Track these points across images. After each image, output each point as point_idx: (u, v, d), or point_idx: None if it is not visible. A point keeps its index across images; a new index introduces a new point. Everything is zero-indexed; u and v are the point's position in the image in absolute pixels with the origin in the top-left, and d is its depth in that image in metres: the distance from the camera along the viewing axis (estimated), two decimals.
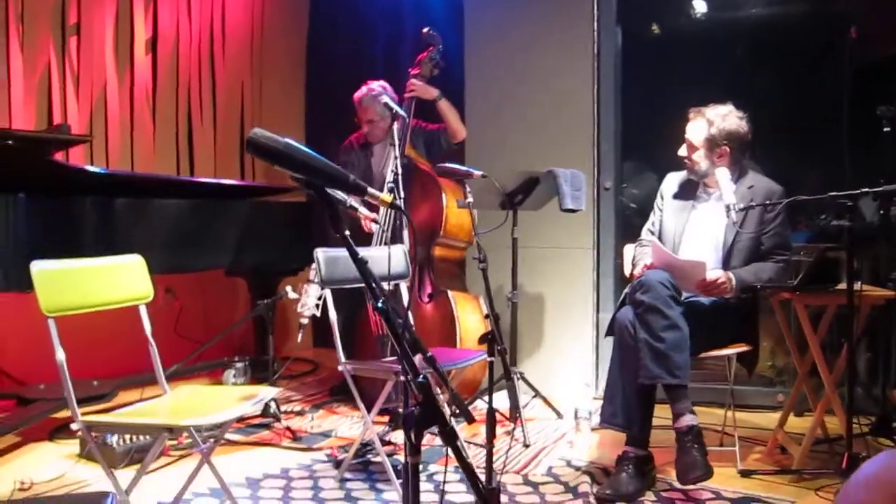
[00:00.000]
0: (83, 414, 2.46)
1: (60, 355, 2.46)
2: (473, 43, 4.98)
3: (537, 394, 4.38)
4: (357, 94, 4.61)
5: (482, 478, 2.80)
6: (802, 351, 3.57)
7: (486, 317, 3.04)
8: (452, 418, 3.32)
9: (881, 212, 3.85)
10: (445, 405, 3.20)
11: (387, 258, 3.57)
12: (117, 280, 2.79)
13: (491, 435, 2.82)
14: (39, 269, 2.52)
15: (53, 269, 2.57)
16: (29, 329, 2.50)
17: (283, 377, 5.14)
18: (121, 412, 2.72)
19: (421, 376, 1.58)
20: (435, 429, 1.59)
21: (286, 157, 1.51)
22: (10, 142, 3.07)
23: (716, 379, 4.29)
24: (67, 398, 2.47)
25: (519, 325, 4.37)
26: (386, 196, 1.64)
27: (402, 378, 1.62)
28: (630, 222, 4.94)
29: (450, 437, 1.59)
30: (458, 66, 5.03)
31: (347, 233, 1.75)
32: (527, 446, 3.81)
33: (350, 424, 4.15)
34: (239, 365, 4.76)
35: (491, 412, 2.84)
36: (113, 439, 3.36)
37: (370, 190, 1.63)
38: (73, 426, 2.45)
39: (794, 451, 3.45)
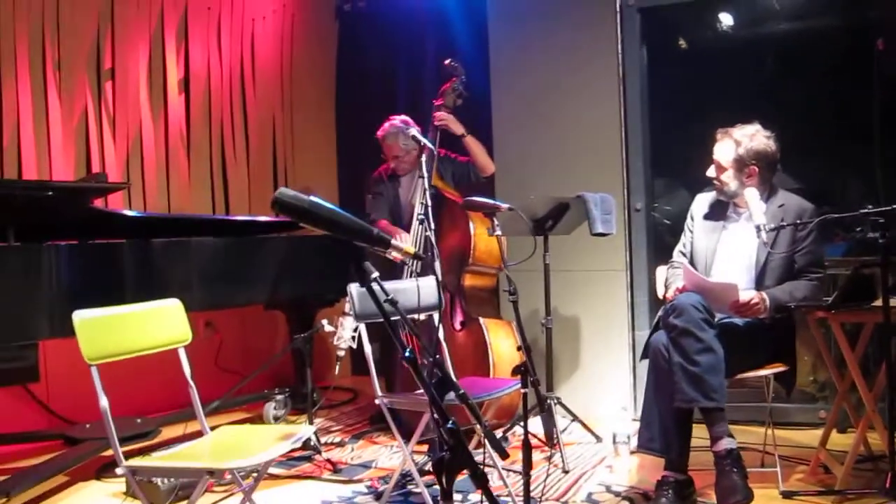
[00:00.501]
0: (128, 452, 2.53)
1: (104, 402, 2.53)
2: (499, 70, 5.02)
3: (575, 418, 4.38)
4: (380, 132, 4.68)
5: None
6: (842, 367, 3.53)
7: (519, 349, 3.06)
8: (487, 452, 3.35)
9: None
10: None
11: (425, 287, 3.61)
12: (156, 324, 2.86)
13: (527, 465, 2.84)
14: (81, 318, 2.60)
15: (94, 318, 2.65)
16: (75, 368, 2.58)
17: (323, 407, 5.19)
18: (162, 455, 2.78)
19: (451, 422, 1.60)
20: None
21: (312, 216, 1.56)
22: (49, 192, 3.17)
23: (755, 397, 4.26)
24: (111, 443, 2.53)
25: (555, 350, 4.38)
26: (409, 248, 1.68)
27: (433, 424, 1.64)
28: (663, 241, 4.92)
29: (480, 481, 1.62)
30: (485, 94, 5.08)
31: (375, 279, 1.80)
32: (566, 472, 3.81)
33: (390, 455, 4.18)
34: (279, 397, 4.84)
35: (527, 442, 2.86)
36: (157, 478, 3.42)
37: (394, 242, 1.67)
38: (118, 471, 2.52)
39: (836, 470, 3.41)
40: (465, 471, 1.59)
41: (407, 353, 1.60)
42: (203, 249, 4.10)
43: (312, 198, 1.55)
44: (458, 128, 4.59)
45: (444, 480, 1.58)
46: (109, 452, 3.87)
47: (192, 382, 2.90)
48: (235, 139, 5.78)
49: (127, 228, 3.96)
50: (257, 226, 4.69)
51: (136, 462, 2.61)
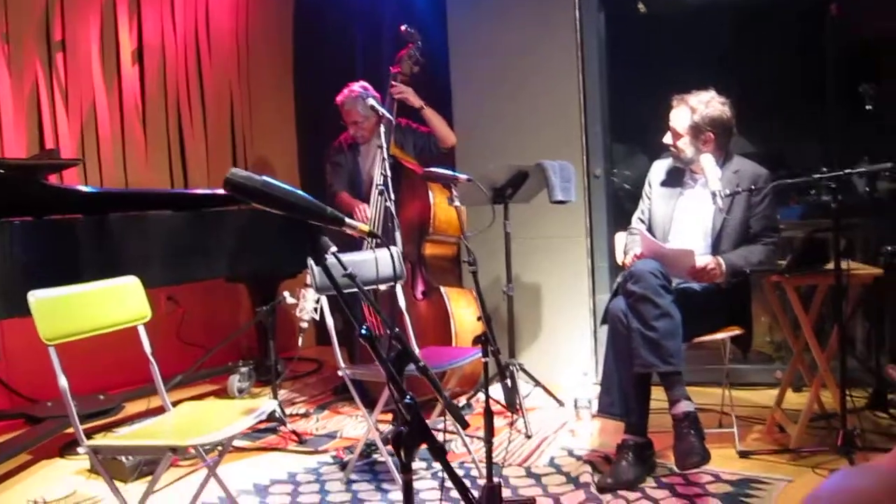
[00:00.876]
0: (91, 428, 2.52)
1: (63, 382, 2.52)
2: (456, 38, 5.00)
3: (538, 384, 4.44)
4: (339, 98, 4.64)
5: (483, 473, 2.87)
6: (797, 329, 3.61)
7: (479, 319, 3.09)
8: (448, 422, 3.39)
9: (867, 189, 3.91)
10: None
11: (384, 259, 3.61)
12: (114, 303, 2.84)
13: (489, 432, 2.88)
14: (37, 298, 2.57)
15: (50, 298, 2.62)
16: (34, 345, 2.56)
17: (288, 378, 5.20)
18: (125, 433, 2.78)
19: (408, 397, 1.62)
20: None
21: (264, 195, 1.56)
22: (0, 171, 3.11)
23: (713, 359, 4.34)
24: (72, 422, 2.53)
25: (517, 316, 4.43)
26: (363, 226, 1.68)
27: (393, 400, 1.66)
28: (623, 206, 4.98)
29: (439, 454, 1.64)
30: (444, 60, 5.05)
31: (333, 254, 1.80)
32: (529, 437, 3.87)
33: (355, 424, 4.20)
34: (243, 370, 4.84)
35: (488, 409, 2.90)
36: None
37: (348, 220, 1.67)
38: (80, 450, 2.51)
39: (791, 429, 3.51)
40: (422, 444, 1.61)
41: (363, 331, 1.60)
42: (162, 224, 4.06)
43: (264, 178, 1.55)
44: (415, 101, 4.57)
45: (402, 454, 1.60)
46: (73, 430, 3.89)
47: (152, 359, 2.89)
48: (192, 111, 5.70)
49: (83, 204, 3.90)
50: (217, 199, 4.65)
51: (98, 441, 2.61)
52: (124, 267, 3.55)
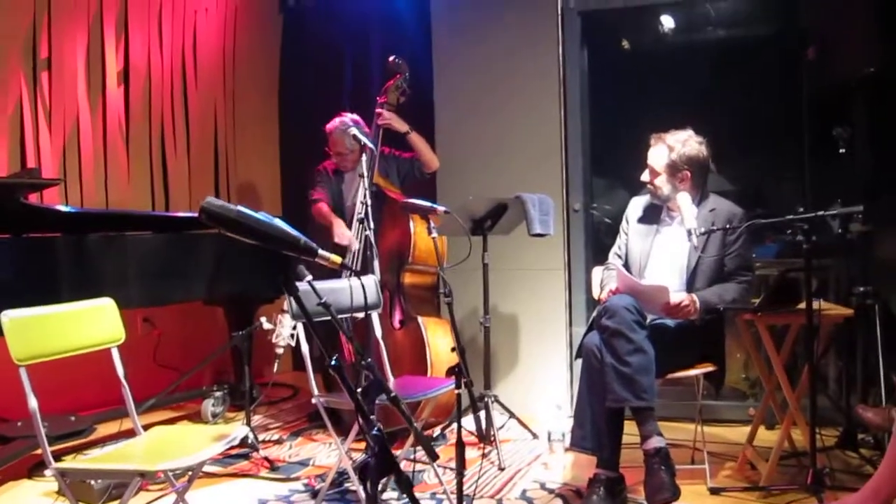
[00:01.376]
0: (61, 450, 2.50)
1: (33, 403, 2.51)
2: (441, 70, 5.05)
3: (512, 415, 4.44)
4: (329, 126, 4.67)
5: None
6: (770, 367, 3.64)
7: (453, 350, 3.10)
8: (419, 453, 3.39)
9: (840, 230, 3.96)
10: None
11: (357, 288, 3.61)
12: (88, 324, 2.83)
13: (461, 463, 2.87)
14: (10, 318, 2.56)
15: (23, 318, 2.61)
16: (6, 363, 2.54)
17: (263, 404, 5.18)
18: (94, 456, 2.76)
19: (375, 428, 1.63)
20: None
21: (238, 225, 1.57)
22: None
23: (687, 395, 4.36)
24: (41, 444, 2.51)
25: (493, 348, 4.44)
26: (335, 258, 1.70)
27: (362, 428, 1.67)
28: (602, 241, 5.01)
29: (404, 486, 1.65)
30: (429, 92, 5.10)
31: (307, 282, 1.81)
32: (502, 469, 3.87)
33: (328, 452, 4.19)
34: (218, 394, 4.81)
35: (460, 441, 2.90)
36: None
37: (321, 252, 1.69)
38: (47, 472, 2.49)
39: (762, 466, 3.52)
40: (388, 475, 1.62)
41: (333, 362, 1.61)
42: (140, 245, 4.06)
43: (239, 208, 1.56)
44: (401, 126, 4.61)
45: (367, 486, 1.60)
46: (39, 451, 3.85)
47: (124, 382, 2.88)
48: (176, 133, 5.71)
49: (62, 223, 3.90)
50: (197, 221, 4.65)
51: (66, 464, 2.59)
52: (101, 287, 3.56)
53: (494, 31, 4.88)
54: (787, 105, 4.35)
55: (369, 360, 2.05)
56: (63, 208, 3.89)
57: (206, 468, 3.85)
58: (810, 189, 4.14)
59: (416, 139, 4.66)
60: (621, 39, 5.43)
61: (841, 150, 3.86)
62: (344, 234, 4.48)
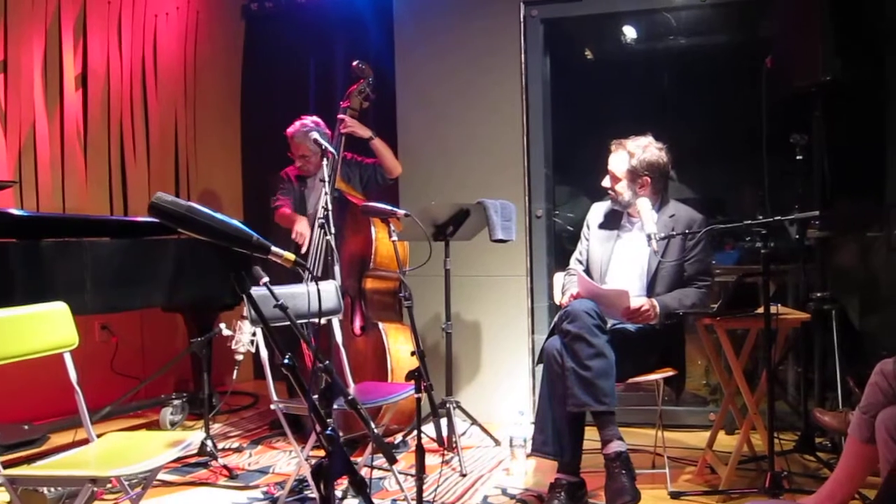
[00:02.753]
0: (13, 460, 2.45)
1: None
2: (404, 76, 5.04)
3: (474, 422, 4.43)
4: (290, 130, 4.64)
5: None
6: (730, 372, 3.67)
7: (413, 354, 3.08)
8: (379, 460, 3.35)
9: (797, 237, 4.01)
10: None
11: (318, 293, 3.58)
12: (40, 329, 2.77)
13: (420, 469, 2.86)
14: None
15: None
16: None
17: (223, 412, 5.11)
18: (46, 463, 2.69)
19: (329, 428, 1.61)
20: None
21: (189, 221, 1.54)
22: None
23: (647, 401, 4.38)
24: None
25: (455, 354, 4.43)
26: (289, 255, 1.68)
27: (315, 430, 1.64)
28: (564, 248, 5.04)
29: (359, 487, 1.63)
30: (394, 97, 5.09)
31: (263, 284, 1.79)
32: (464, 475, 3.85)
33: (288, 460, 4.14)
34: (176, 402, 4.75)
35: (420, 446, 2.89)
36: (44, 486, 3.31)
37: (273, 249, 1.66)
38: None
39: (721, 471, 3.54)
40: (343, 476, 1.60)
41: (286, 361, 1.59)
42: (97, 251, 4.00)
43: (190, 203, 1.54)
44: (364, 132, 4.58)
45: (321, 487, 1.58)
46: None
47: (78, 388, 2.82)
48: (136, 138, 5.64)
49: (14, 227, 3.82)
50: (155, 227, 4.58)
51: (17, 471, 2.52)
52: (56, 293, 3.50)
53: (457, 37, 4.89)
54: (747, 113, 4.40)
55: (327, 362, 2.02)
56: (16, 212, 3.81)
57: (164, 476, 3.79)
58: (769, 196, 4.19)
59: (379, 145, 4.64)
60: (583, 47, 5.48)
61: (798, 157, 3.91)
62: (301, 231, 4.45)
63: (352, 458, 1.65)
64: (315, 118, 4.65)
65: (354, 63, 4.58)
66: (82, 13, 5.25)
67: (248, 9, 6.44)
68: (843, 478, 2.82)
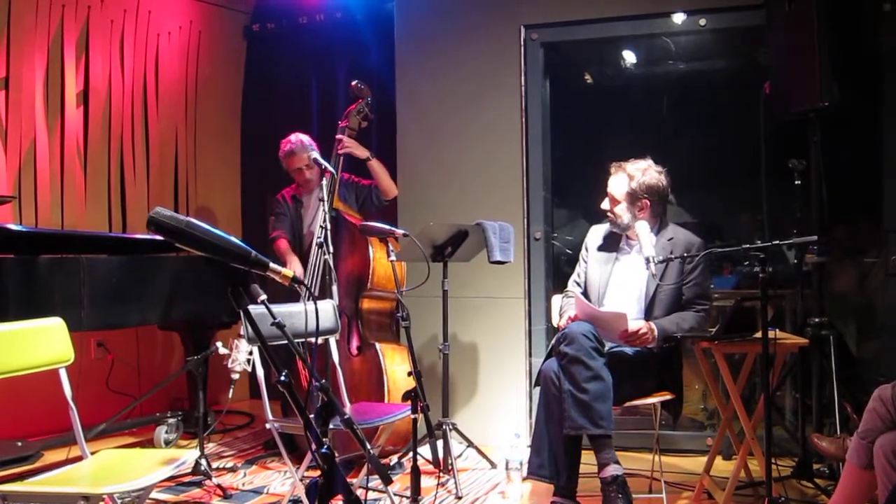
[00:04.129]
0: (4, 477, 2.43)
1: None
2: (405, 96, 5.05)
3: (470, 444, 4.40)
4: (283, 147, 4.65)
5: None
6: (727, 396, 3.65)
7: (410, 374, 3.07)
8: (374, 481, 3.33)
9: (796, 262, 4.01)
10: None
11: (315, 313, 3.58)
12: (35, 344, 2.76)
13: (415, 491, 2.84)
14: None
15: None
16: None
17: (218, 431, 5.09)
18: (38, 479, 2.67)
19: (325, 446, 1.60)
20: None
21: (187, 236, 1.54)
22: None
23: (644, 425, 4.36)
24: None
25: (452, 376, 4.41)
26: (287, 272, 1.68)
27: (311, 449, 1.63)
28: (562, 271, 5.03)
29: None
30: (393, 118, 5.10)
31: (260, 301, 1.78)
32: (459, 498, 3.82)
33: (282, 480, 4.11)
34: (171, 421, 4.72)
35: (415, 467, 2.87)
36: None
37: (272, 265, 1.66)
38: None
39: (718, 496, 3.52)
40: (338, 496, 1.58)
41: (282, 378, 1.58)
42: (95, 267, 3.98)
43: (189, 218, 1.54)
44: (362, 152, 4.60)
45: None
46: None
47: (72, 404, 2.81)
48: (136, 156, 5.65)
49: (12, 242, 3.82)
50: (153, 244, 4.58)
51: (8, 486, 2.50)
52: (53, 309, 3.49)
53: (458, 59, 4.91)
54: (745, 138, 4.42)
55: (323, 381, 2.01)
56: (14, 227, 3.80)
57: (157, 495, 3.76)
58: (767, 221, 4.19)
59: (376, 166, 4.65)
60: (583, 71, 5.50)
61: (796, 182, 3.92)
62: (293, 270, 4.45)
63: (340, 469, 1.64)
64: (309, 137, 4.66)
65: (353, 83, 4.60)
66: (85, 31, 5.28)
67: (249, 29, 6.48)
68: None
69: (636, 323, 3.45)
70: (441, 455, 4.08)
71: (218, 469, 4.29)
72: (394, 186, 4.74)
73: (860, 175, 4.15)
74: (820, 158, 3.85)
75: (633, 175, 3.61)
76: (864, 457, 2.72)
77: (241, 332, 3.77)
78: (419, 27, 5.03)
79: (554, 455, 3.34)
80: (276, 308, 2.17)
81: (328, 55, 6.18)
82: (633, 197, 3.62)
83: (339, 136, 4.56)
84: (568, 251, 5.30)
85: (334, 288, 3.95)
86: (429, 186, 4.94)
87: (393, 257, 3.40)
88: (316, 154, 4.36)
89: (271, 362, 1.60)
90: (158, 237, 4.17)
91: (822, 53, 3.69)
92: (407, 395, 2.85)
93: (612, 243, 3.78)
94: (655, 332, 3.44)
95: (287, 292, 4.37)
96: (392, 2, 5.15)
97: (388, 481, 2.05)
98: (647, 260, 3.36)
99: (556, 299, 3.96)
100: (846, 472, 2.82)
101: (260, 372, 3.39)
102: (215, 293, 4.47)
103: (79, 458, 2.86)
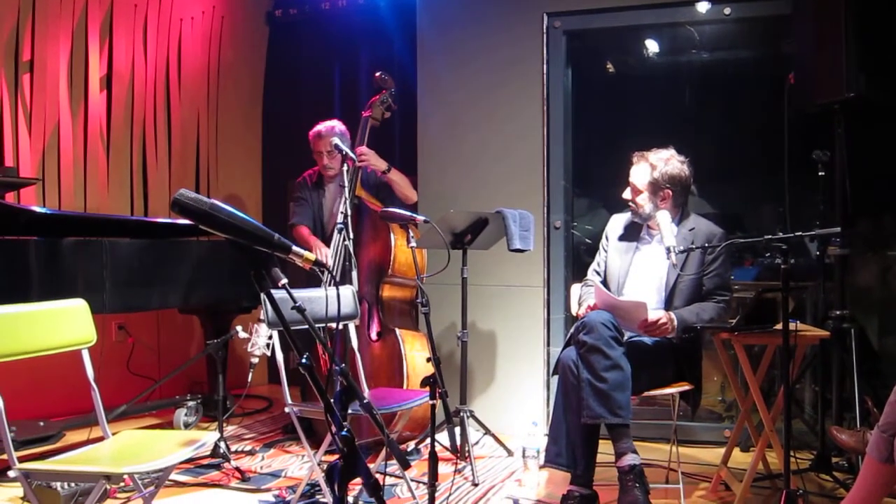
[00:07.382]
0: (28, 455, 2.46)
1: None
2: (426, 84, 5.05)
3: (487, 431, 4.41)
4: (314, 129, 4.65)
5: None
6: (746, 388, 3.64)
7: (428, 360, 3.08)
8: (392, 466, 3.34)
9: (818, 254, 3.98)
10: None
11: (336, 298, 3.59)
12: (58, 325, 2.79)
13: (433, 476, 2.85)
14: None
15: None
16: None
17: (237, 415, 5.13)
18: (60, 458, 2.71)
19: (345, 429, 1.61)
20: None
21: (211, 218, 1.55)
22: None
23: (662, 415, 4.36)
24: (5, 445, 2.46)
25: (470, 363, 4.42)
26: (309, 255, 1.68)
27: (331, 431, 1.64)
28: (582, 260, 5.02)
29: (374, 489, 1.62)
30: (414, 105, 5.10)
31: (282, 286, 1.79)
32: (476, 485, 3.83)
33: (301, 464, 4.14)
34: (191, 404, 4.76)
35: (433, 453, 2.88)
36: (57, 483, 3.32)
37: (294, 248, 1.67)
38: (10, 474, 2.44)
39: (736, 488, 3.51)
40: (357, 478, 1.59)
41: (303, 360, 1.59)
42: (117, 251, 4.01)
43: (213, 200, 1.55)
44: (380, 164, 4.56)
45: (335, 488, 1.58)
46: (5, 456, 3.78)
47: (94, 385, 2.84)
48: (158, 140, 5.68)
49: (36, 225, 3.86)
50: (174, 228, 4.62)
51: (31, 465, 2.53)
52: (75, 291, 3.52)
53: (480, 47, 4.90)
54: (768, 128, 4.38)
55: (343, 365, 2.03)
56: (38, 209, 3.84)
57: (176, 477, 3.80)
58: (790, 212, 4.16)
59: (395, 176, 4.63)
60: (606, 60, 5.47)
61: (820, 174, 3.88)
62: (321, 256, 4.45)
63: (360, 453, 1.65)
64: (342, 124, 4.65)
65: (377, 74, 4.59)
66: (109, 15, 5.31)
67: (272, 15, 6.49)
68: (860, 498, 2.79)
69: (656, 313, 3.44)
70: (458, 442, 4.09)
71: (236, 452, 4.33)
72: (414, 193, 4.70)
73: (885, 168, 4.10)
74: (844, 150, 3.82)
75: (656, 165, 3.59)
76: (885, 450, 2.70)
77: (261, 317, 3.79)
78: (441, 14, 5.02)
79: (571, 444, 3.34)
80: (296, 293, 2.19)
81: (350, 41, 6.18)
82: (656, 187, 3.59)
83: (357, 150, 4.51)
84: (587, 240, 5.29)
85: (353, 274, 3.95)
86: (449, 174, 4.94)
87: (413, 244, 3.40)
88: (337, 140, 4.36)
89: (293, 345, 1.61)
90: (180, 221, 4.22)
91: (849, 44, 3.64)
92: (425, 382, 2.85)
93: (632, 233, 3.77)
94: (675, 323, 3.42)
95: (304, 277, 4.39)
96: None
97: (406, 466, 2.06)
98: (668, 250, 3.34)
99: (576, 288, 3.95)
100: (865, 465, 2.80)
101: (279, 356, 3.41)
102: (236, 278, 4.49)
103: (100, 439, 2.89)
